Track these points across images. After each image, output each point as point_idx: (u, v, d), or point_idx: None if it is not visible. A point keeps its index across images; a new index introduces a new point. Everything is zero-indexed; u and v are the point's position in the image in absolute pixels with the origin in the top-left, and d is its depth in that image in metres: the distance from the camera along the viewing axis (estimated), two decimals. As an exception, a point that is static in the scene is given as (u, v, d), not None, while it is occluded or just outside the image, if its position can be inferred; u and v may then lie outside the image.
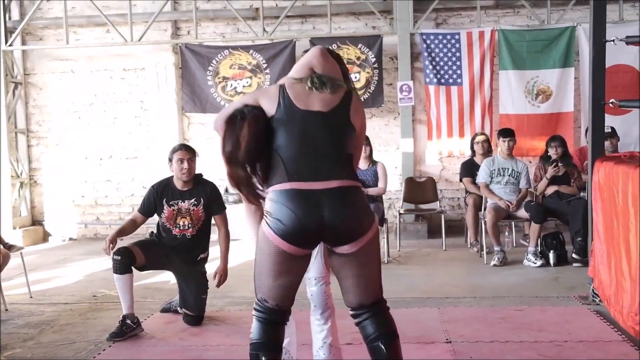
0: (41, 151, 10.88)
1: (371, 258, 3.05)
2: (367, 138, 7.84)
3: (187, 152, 5.29)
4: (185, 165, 5.22)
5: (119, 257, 4.94)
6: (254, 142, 2.95)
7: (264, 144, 3.01)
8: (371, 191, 7.67)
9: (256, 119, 2.99)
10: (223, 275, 5.30)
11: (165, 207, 5.27)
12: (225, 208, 5.50)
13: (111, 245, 4.97)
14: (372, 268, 3.06)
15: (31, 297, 6.42)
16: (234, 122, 3.00)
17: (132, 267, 5.03)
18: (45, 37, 10.69)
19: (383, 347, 2.99)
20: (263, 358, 2.98)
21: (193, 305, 5.19)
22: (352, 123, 3.10)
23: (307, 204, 2.87)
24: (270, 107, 3.02)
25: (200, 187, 5.37)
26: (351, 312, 3.08)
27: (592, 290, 5.49)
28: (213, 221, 5.49)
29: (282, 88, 3.06)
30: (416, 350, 4.30)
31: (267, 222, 2.91)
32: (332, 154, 3.00)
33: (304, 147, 2.97)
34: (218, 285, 5.31)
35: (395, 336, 3.04)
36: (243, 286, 6.31)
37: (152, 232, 5.49)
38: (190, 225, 5.27)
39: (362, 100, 9.57)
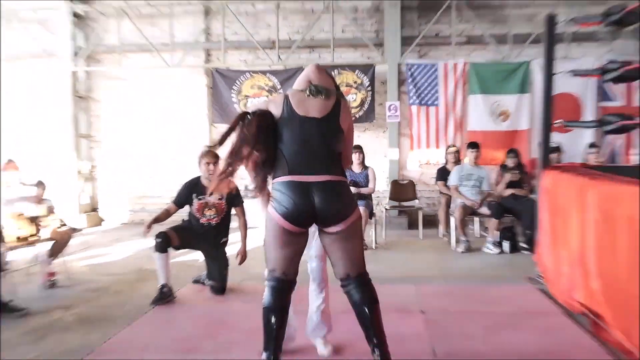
0: (99, 152, 10.94)
1: (354, 236, 3.16)
2: (360, 147, 7.93)
3: (212, 157, 5.29)
4: (211, 167, 5.25)
5: (159, 240, 5.02)
6: (261, 127, 3.05)
7: (271, 136, 3.10)
8: (363, 190, 7.70)
9: (264, 113, 3.11)
10: (243, 255, 5.37)
11: (195, 201, 5.31)
12: (243, 201, 5.53)
13: (148, 230, 5.04)
14: (355, 244, 3.18)
15: (91, 268, 6.51)
16: (243, 118, 3.08)
17: (168, 248, 5.08)
18: (104, 60, 10.75)
19: (367, 310, 3.13)
20: (273, 318, 3.08)
21: (217, 279, 5.26)
22: (341, 127, 3.19)
23: (301, 192, 3.00)
24: (276, 112, 3.13)
25: None
26: (340, 283, 3.18)
27: (538, 273, 5.52)
28: (233, 212, 5.52)
29: (286, 97, 3.16)
30: (396, 319, 4.32)
31: (272, 206, 3.05)
32: (324, 154, 3.10)
33: (301, 147, 3.08)
34: (240, 264, 5.36)
35: (376, 301, 3.16)
36: (258, 265, 6.27)
37: (184, 219, 5.53)
38: (215, 215, 5.32)
39: (358, 116, 9.70)
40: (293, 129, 3.09)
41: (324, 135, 3.12)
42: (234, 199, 5.42)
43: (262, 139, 3.06)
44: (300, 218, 3.04)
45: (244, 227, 5.47)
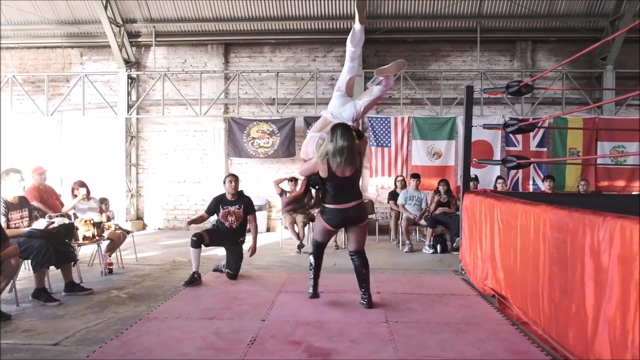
0: (144, 177, 10.87)
1: (364, 230, 4.23)
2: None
3: (234, 177, 5.43)
4: (233, 184, 5.35)
5: (195, 239, 5.06)
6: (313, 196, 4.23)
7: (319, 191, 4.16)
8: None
9: (311, 193, 4.22)
10: (253, 250, 5.41)
11: (221, 210, 5.36)
12: (255, 211, 5.57)
13: (188, 226, 5.20)
14: (364, 233, 4.24)
15: (137, 260, 6.49)
16: (308, 186, 4.18)
17: (202, 245, 5.12)
18: (150, 110, 10.74)
19: (361, 270, 4.20)
20: (314, 261, 4.24)
21: (233, 268, 5.28)
22: (359, 173, 4.13)
23: (339, 213, 4.05)
24: (323, 174, 4.00)
25: (241, 198, 5.44)
26: (350, 253, 4.24)
27: (461, 267, 5.65)
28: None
29: (329, 166, 3.94)
30: (360, 297, 4.41)
31: (323, 217, 4.12)
32: (352, 191, 4.07)
33: (340, 189, 4.01)
34: (250, 256, 5.41)
35: (367, 266, 4.22)
36: (259, 259, 6.40)
37: (214, 224, 5.56)
38: (235, 221, 5.35)
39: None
40: (335, 183, 3.98)
41: (352, 183, 4.03)
42: (249, 208, 5.46)
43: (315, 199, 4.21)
44: (336, 226, 4.17)
45: (255, 229, 5.49)
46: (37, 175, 5.94)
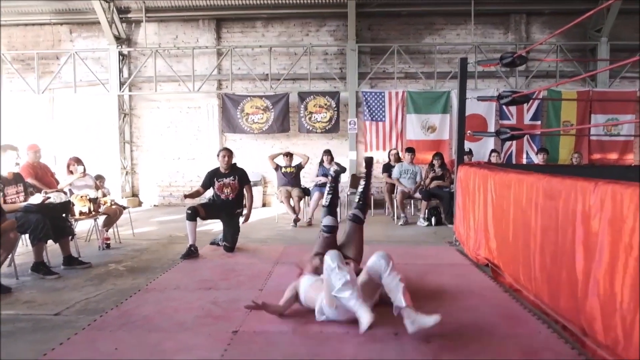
0: (138, 154, 10.81)
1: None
2: (329, 151, 8.07)
3: (227, 151, 5.46)
4: (226, 159, 5.39)
5: (190, 212, 5.09)
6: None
7: None
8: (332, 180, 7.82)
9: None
10: (247, 217, 5.48)
11: (216, 183, 5.39)
12: (250, 181, 5.61)
13: (184, 198, 5.27)
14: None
15: (134, 235, 6.52)
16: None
17: (197, 218, 5.15)
18: (143, 87, 10.62)
19: (351, 221, 4.11)
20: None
21: (230, 240, 5.32)
22: None
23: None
24: None
25: (235, 170, 5.48)
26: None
27: (455, 238, 5.71)
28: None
29: None
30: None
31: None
32: None
33: None
34: (244, 222, 5.47)
35: (358, 220, 4.14)
36: (256, 233, 6.45)
37: (210, 197, 5.59)
38: (231, 192, 5.39)
39: (327, 129, 9.80)
40: None
41: None
42: (243, 179, 5.50)
43: None
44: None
45: (251, 199, 5.56)
46: (32, 152, 5.89)
